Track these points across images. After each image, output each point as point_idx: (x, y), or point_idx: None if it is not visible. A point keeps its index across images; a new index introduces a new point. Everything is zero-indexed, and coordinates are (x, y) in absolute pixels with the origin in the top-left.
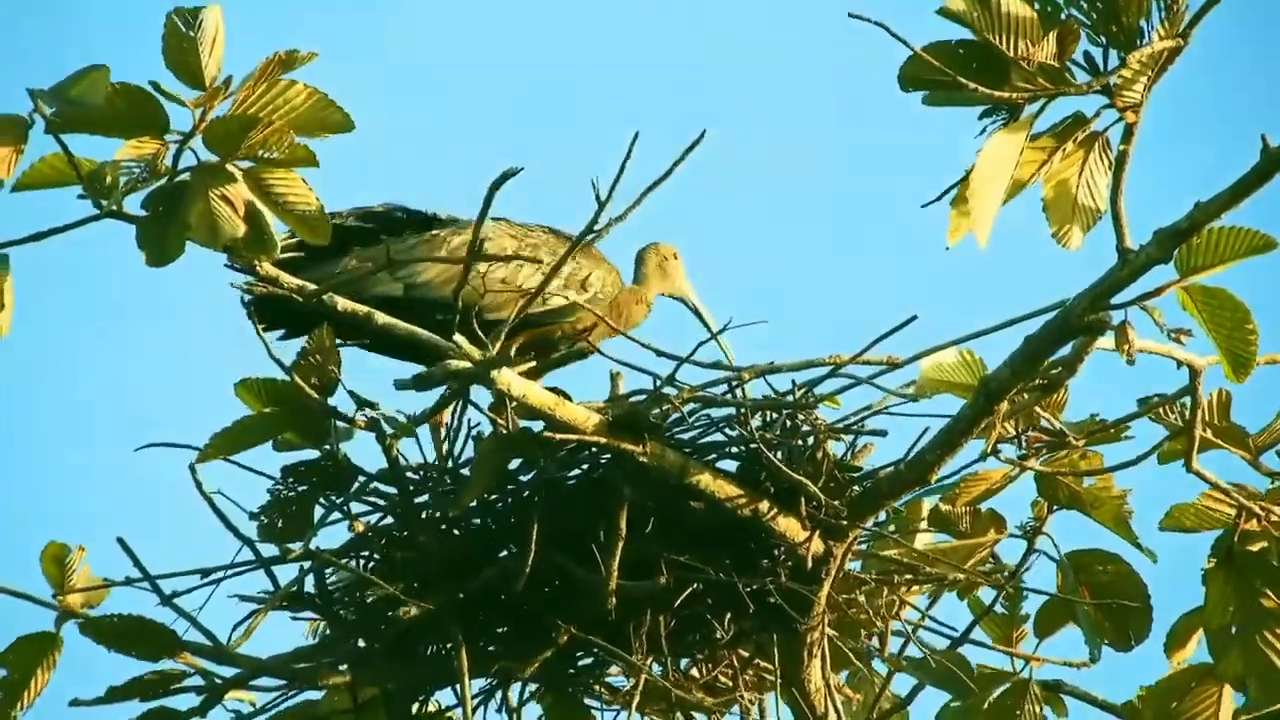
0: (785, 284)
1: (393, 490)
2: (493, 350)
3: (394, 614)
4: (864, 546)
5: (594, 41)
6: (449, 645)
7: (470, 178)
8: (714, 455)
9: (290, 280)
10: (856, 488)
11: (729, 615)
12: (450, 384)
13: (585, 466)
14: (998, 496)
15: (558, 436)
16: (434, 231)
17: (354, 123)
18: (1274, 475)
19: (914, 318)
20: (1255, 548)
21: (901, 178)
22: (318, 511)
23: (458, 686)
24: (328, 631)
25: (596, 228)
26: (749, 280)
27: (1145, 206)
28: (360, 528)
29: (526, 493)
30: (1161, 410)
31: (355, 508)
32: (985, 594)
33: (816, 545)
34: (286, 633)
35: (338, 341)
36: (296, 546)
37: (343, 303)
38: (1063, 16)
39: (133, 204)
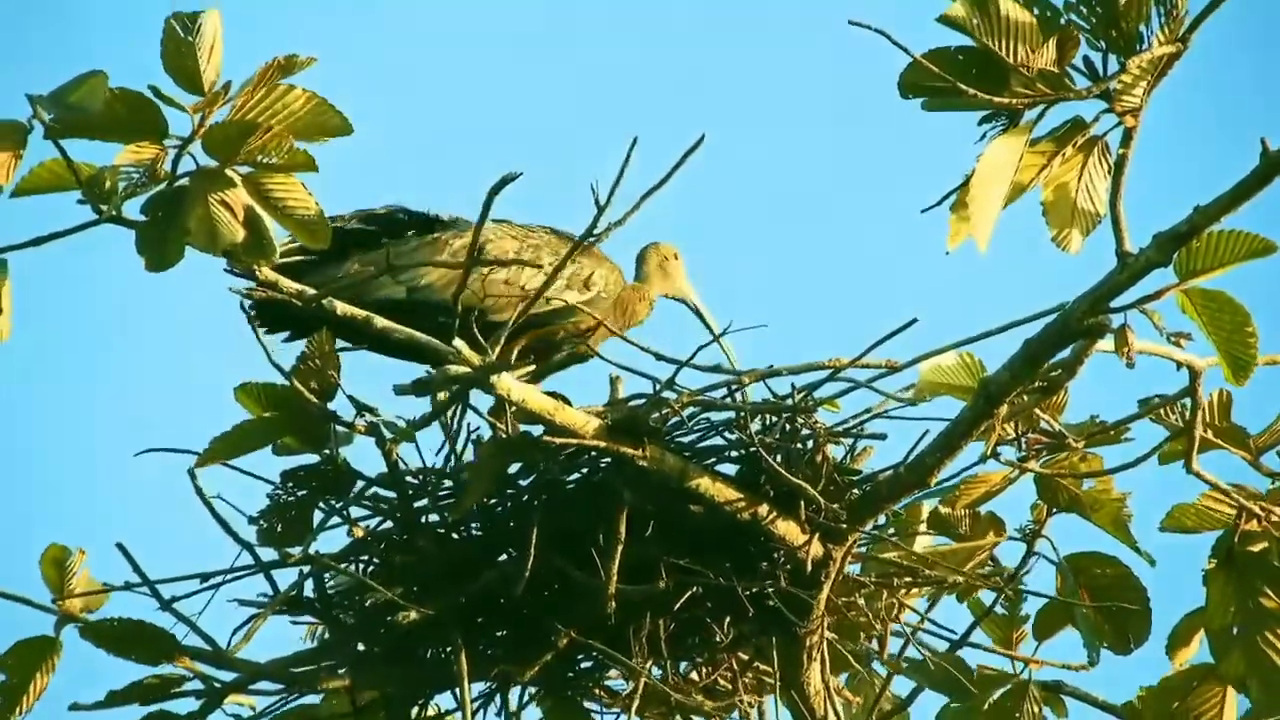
0: (785, 288)
1: (392, 495)
2: (492, 355)
3: (393, 618)
4: (863, 549)
5: (594, 43)
6: (448, 649)
7: (470, 180)
8: (713, 459)
9: (290, 285)
10: (856, 491)
11: (728, 619)
12: (449, 389)
13: (585, 470)
14: (997, 499)
15: (557, 441)
16: (436, 234)
17: (353, 126)
18: (1274, 476)
19: (913, 321)
20: (1256, 548)
21: (902, 183)
22: (317, 516)
23: (457, 690)
24: (327, 636)
25: (596, 232)
26: (748, 284)
27: (1145, 210)
28: (360, 532)
29: (526, 497)
30: (1162, 411)
31: (355, 512)
32: (986, 596)
33: (816, 548)
34: (286, 637)
35: (338, 345)
36: (296, 551)
37: (342, 307)
38: (1062, 22)
39: (132, 209)
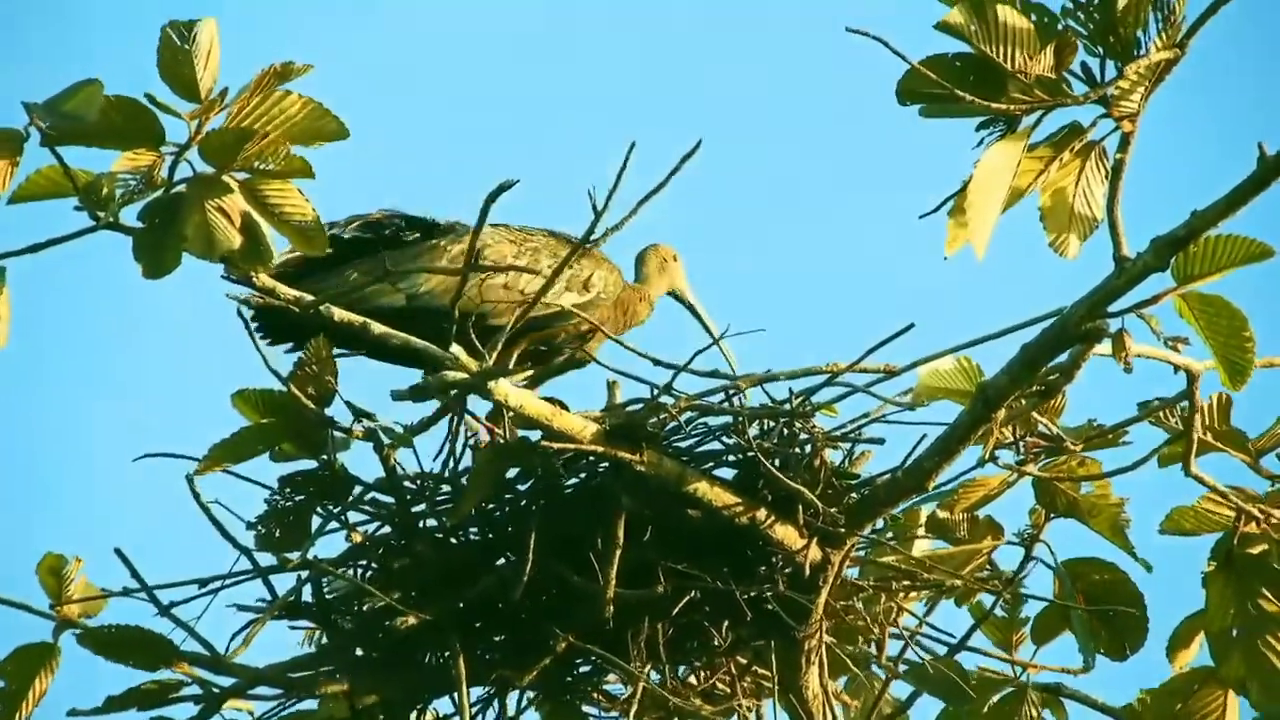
0: (782, 292)
1: (390, 500)
2: (490, 360)
3: (392, 623)
4: (862, 553)
5: (594, 45)
6: (447, 654)
7: (469, 181)
8: (711, 463)
9: (287, 291)
10: (854, 495)
11: (727, 623)
12: (447, 395)
13: (583, 475)
14: (995, 503)
15: (555, 446)
16: (434, 240)
17: (349, 131)
18: (1274, 478)
19: (910, 326)
20: (1255, 551)
21: (899, 188)
22: (315, 521)
23: (456, 695)
24: (325, 641)
25: (593, 237)
26: (746, 288)
27: (1142, 215)
28: (358, 537)
29: (524, 502)
30: (1161, 414)
31: (353, 517)
32: (986, 598)
33: (814, 553)
34: (284, 642)
35: (336, 351)
36: (294, 556)
37: (339, 312)
38: (1060, 28)
39: (129, 216)
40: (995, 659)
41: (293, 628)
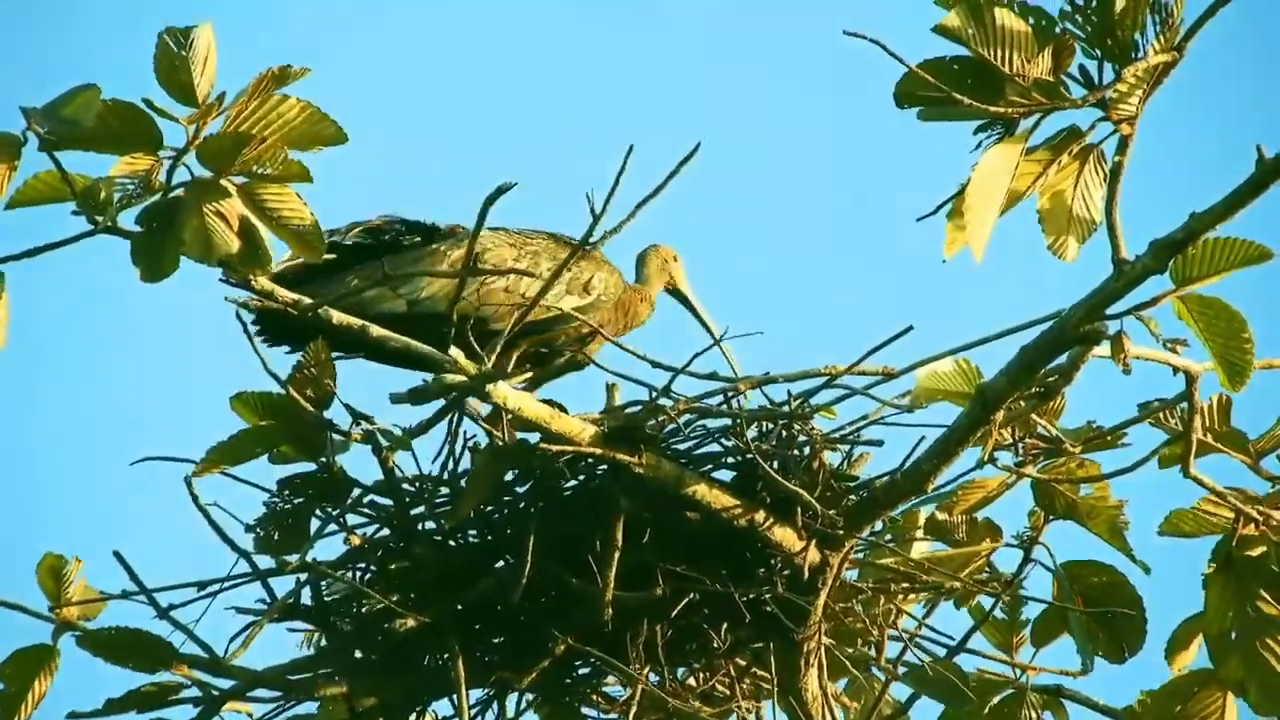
0: (781, 294)
1: (389, 502)
2: (488, 363)
3: (391, 625)
4: (861, 555)
5: (593, 46)
6: (446, 656)
7: (469, 182)
8: (710, 466)
9: (285, 294)
10: (853, 497)
11: (726, 625)
12: (445, 398)
13: (581, 477)
14: (994, 505)
15: (554, 448)
16: (435, 245)
17: (347, 136)
18: (1274, 479)
19: (909, 328)
20: (1254, 552)
21: (898, 191)
22: (314, 523)
23: (455, 697)
24: (324, 643)
25: (592, 240)
26: (745, 291)
27: (1141, 218)
28: (357, 540)
29: (523, 504)
30: (1161, 415)
31: (352, 520)
32: (986, 600)
33: (813, 555)
34: (283, 644)
35: (336, 354)
36: (293, 558)
37: (338, 316)
38: (1058, 31)
39: (127, 220)
40: (995, 661)
41: (292, 630)
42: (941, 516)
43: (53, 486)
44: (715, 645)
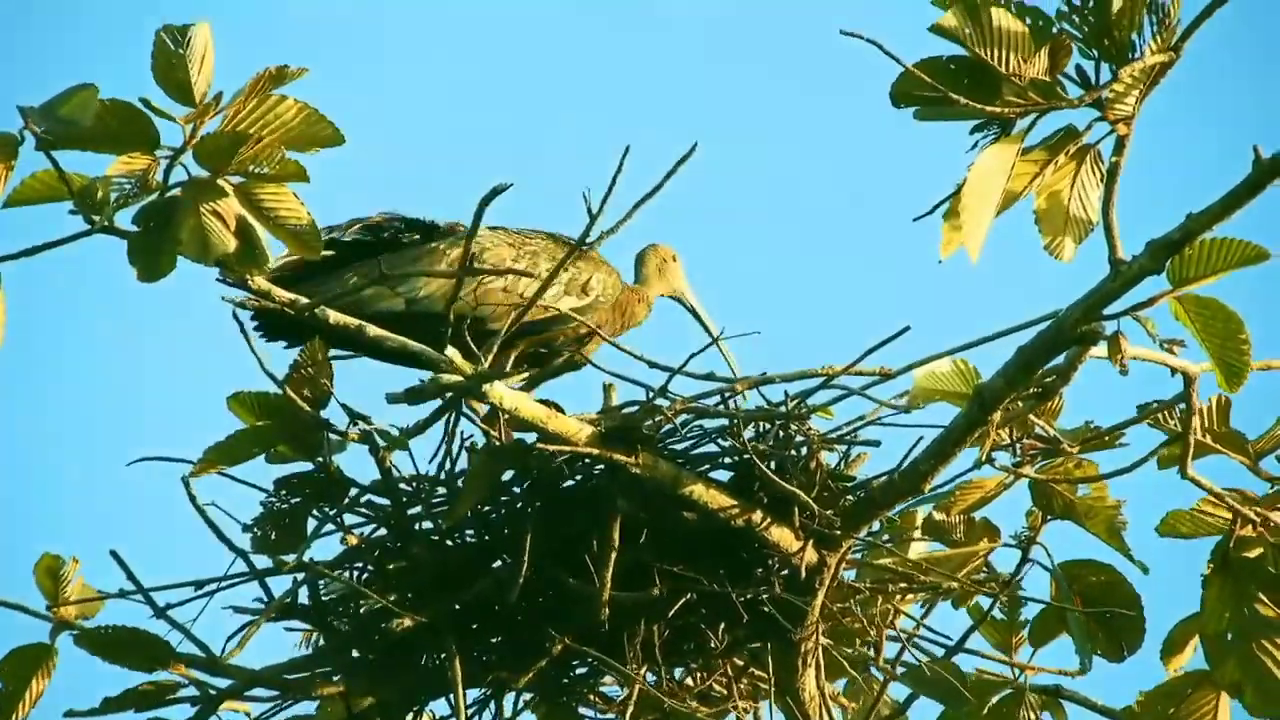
0: (778, 294)
1: (386, 502)
2: (485, 363)
3: (388, 625)
4: (858, 555)
5: (593, 46)
6: (443, 655)
7: (468, 182)
8: (707, 466)
9: (282, 294)
10: (850, 497)
11: (723, 625)
12: (442, 398)
13: (579, 478)
14: (992, 505)
15: (551, 448)
16: (434, 243)
17: (344, 136)
18: (1274, 480)
19: (907, 328)
20: (1252, 554)
21: (895, 191)
22: (311, 523)
23: (452, 697)
24: (322, 642)
25: (589, 241)
26: (742, 291)
27: (1138, 218)
28: (354, 539)
29: (520, 504)
30: (1160, 417)
31: (349, 519)
32: (984, 600)
33: (810, 555)
34: (280, 644)
35: (334, 353)
36: (290, 558)
37: (335, 315)
38: (1054, 31)
39: (124, 219)
40: (993, 661)
41: (289, 630)
42: (939, 516)
43: (50, 486)
44: (712, 645)
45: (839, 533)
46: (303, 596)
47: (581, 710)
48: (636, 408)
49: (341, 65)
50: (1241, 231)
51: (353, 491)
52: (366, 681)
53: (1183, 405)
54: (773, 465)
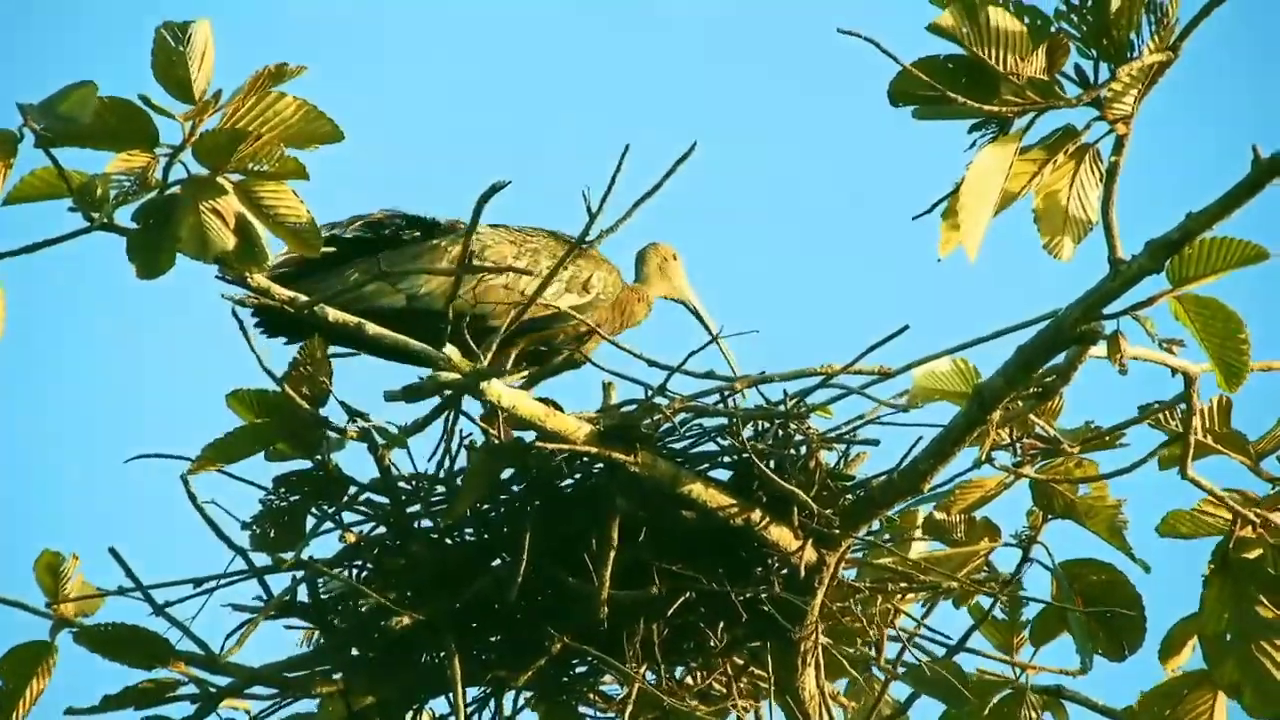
0: (777, 294)
1: (385, 500)
2: (484, 361)
3: (387, 623)
4: (858, 555)
5: (593, 46)
6: (442, 654)
7: (470, 181)
8: (706, 465)
9: (281, 292)
10: (849, 497)
11: (722, 624)
12: (440, 396)
13: (577, 476)
14: (993, 504)
15: (549, 446)
16: (435, 240)
17: (343, 134)
18: (1274, 480)
19: (905, 328)
20: (1252, 555)
21: (894, 190)
22: (310, 521)
23: (451, 695)
24: (321, 640)
25: (589, 239)
26: (741, 290)
27: (1137, 217)
28: (352, 537)
29: (519, 502)
30: (1161, 416)
31: (347, 517)
32: (985, 600)
33: (809, 554)
34: (280, 642)
35: (335, 350)
36: (289, 556)
37: (333, 313)
38: (1053, 30)
39: (123, 217)
40: (994, 661)
41: (288, 627)
42: (940, 516)
43: (50, 483)
44: (712, 644)
45: (838, 532)
46: (302, 594)
47: (581, 709)
48: (635, 406)
49: (341, 65)
50: (1241, 231)
51: (352, 489)
52: (366, 680)
53: (1183, 405)
54: (772, 464)
